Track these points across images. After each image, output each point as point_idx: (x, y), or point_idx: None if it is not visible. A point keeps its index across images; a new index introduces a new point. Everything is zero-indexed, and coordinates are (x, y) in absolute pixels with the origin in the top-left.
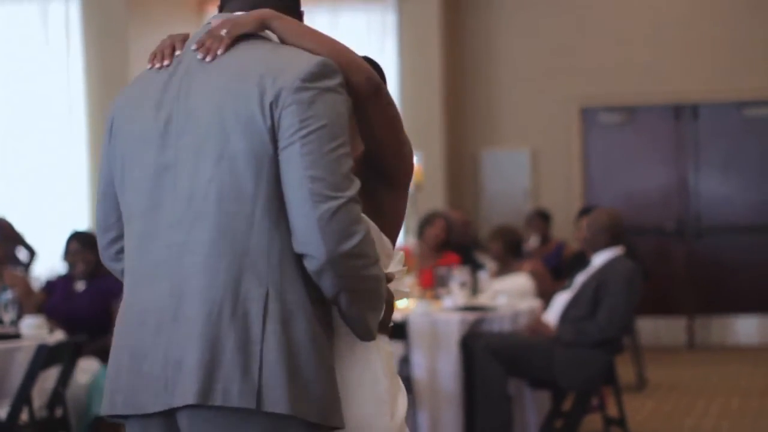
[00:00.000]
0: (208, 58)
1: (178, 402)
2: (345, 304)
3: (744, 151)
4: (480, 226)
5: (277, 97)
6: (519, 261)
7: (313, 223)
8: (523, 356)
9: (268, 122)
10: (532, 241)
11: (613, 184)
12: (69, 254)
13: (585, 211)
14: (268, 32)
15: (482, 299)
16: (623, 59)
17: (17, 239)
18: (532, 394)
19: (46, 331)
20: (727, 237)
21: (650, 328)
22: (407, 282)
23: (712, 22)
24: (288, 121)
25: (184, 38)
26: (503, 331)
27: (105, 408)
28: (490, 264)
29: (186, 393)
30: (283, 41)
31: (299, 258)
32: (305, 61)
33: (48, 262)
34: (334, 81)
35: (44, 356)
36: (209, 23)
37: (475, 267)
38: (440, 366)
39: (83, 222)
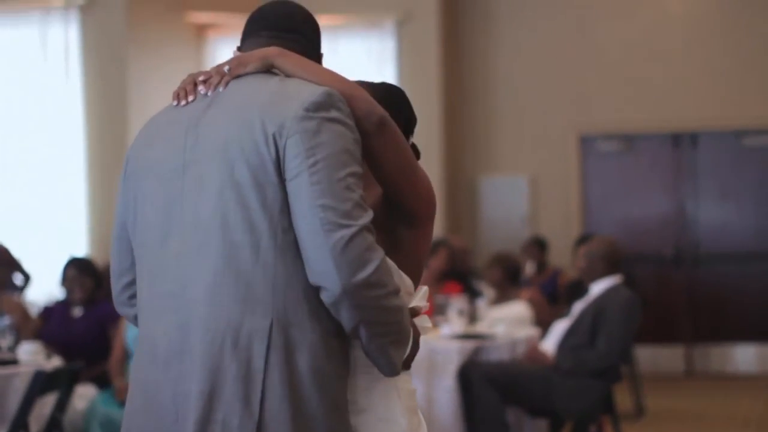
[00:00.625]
0: (208, 92)
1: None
2: (365, 337)
3: (743, 179)
4: (478, 252)
5: (281, 127)
6: (517, 288)
7: (326, 253)
8: (521, 384)
9: (272, 152)
10: (528, 269)
11: (612, 212)
12: (66, 280)
13: (583, 240)
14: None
15: (480, 327)
16: (622, 87)
17: (14, 264)
18: (530, 422)
19: (44, 357)
20: (726, 265)
21: (649, 357)
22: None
23: (711, 51)
24: (293, 151)
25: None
26: (501, 360)
27: None
28: (488, 291)
29: (187, 423)
30: (287, 75)
31: (307, 289)
32: (309, 92)
33: (45, 288)
34: (340, 111)
35: (41, 382)
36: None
37: (473, 295)
38: (438, 394)
39: (81, 248)
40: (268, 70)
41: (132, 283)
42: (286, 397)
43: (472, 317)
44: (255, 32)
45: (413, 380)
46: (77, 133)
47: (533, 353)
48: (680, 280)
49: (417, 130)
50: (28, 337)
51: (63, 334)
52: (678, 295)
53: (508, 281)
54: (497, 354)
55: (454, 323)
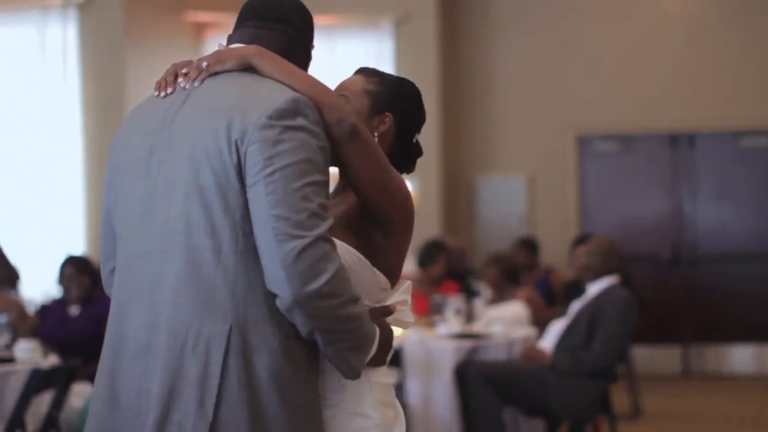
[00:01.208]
0: (186, 85)
1: (146, 431)
2: (321, 343)
3: (740, 180)
4: (475, 252)
5: (243, 134)
6: (514, 288)
7: (278, 263)
8: (518, 384)
9: (234, 158)
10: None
11: (609, 212)
12: (64, 278)
13: (580, 240)
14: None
15: (477, 327)
16: (620, 88)
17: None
18: (526, 422)
19: (40, 356)
20: (723, 265)
21: (645, 357)
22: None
23: (709, 52)
24: (252, 160)
25: (187, 65)
26: (498, 359)
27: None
28: (485, 291)
29: (147, 423)
30: (263, 76)
31: (267, 294)
32: (275, 98)
33: (42, 286)
34: (306, 118)
35: (38, 380)
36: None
37: (471, 294)
38: (435, 394)
39: (79, 246)
40: (246, 68)
41: None
42: (244, 400)
43: (469, 317)
44: (242, 22)
45: (409, 379)
46: (75, 131)
47: (530, 353)
48: (677, 281)
49: None
50: (24, 335)
51: (60, 332)
52: (675, 296)
53: (505, 281)
54: (494, 353)
55: (451, 322)
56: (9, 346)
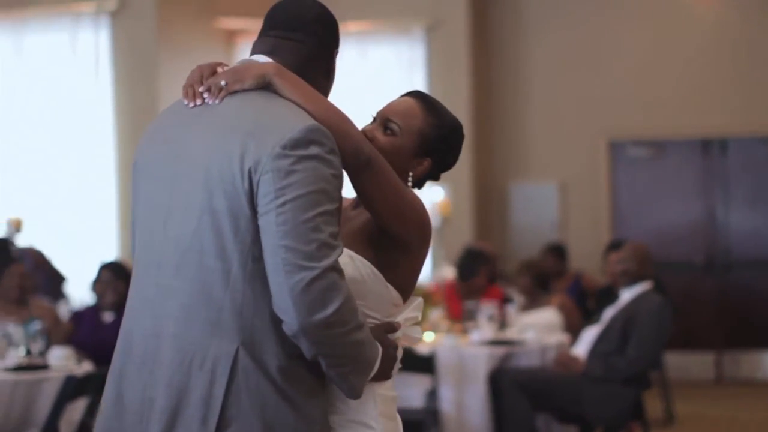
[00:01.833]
0: (208, 101)
1: None
2: (324, 366)
3: None
4: (508, 258)
5: (257, 163)
6: (546, 295)
7: (286, 292)
8: (551, 391)
9: (246, 186)
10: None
11: (642, 218)
12: (101, 283)
13: (613, 246)
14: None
15: (510, 333)
16: (652, 93)
17: (47, 268)
18: (560, 428)
19: (74, 362)
20: (756, 271)
21: (678, 363)
22: (435, 315)
23: (741, 57)
24: (264, 189)
25: (213, 69)
26: (531, 366)
27: (94, 429)
28: (517, 298)
29: None
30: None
31: (274, 316)
32: (290, 126)
33: (75, 293)
34: (321, 147)
35: (72, 387)
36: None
37: (504, 301)
38: (468, 400)
39: (111, 251)
40: (265, 87)
41: None
42: (257, 418)
43: (503, 323)
44: (265, 32)
45: (443, 385)
46: (108, 138)
47: (563, 359)
48: (711, 287)
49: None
50: (58, 342)
51: (93, 338)
52: (708, 302)
53: (536, 288)
54: (527, 360)
55: (484, 329)
56: (43, 353)
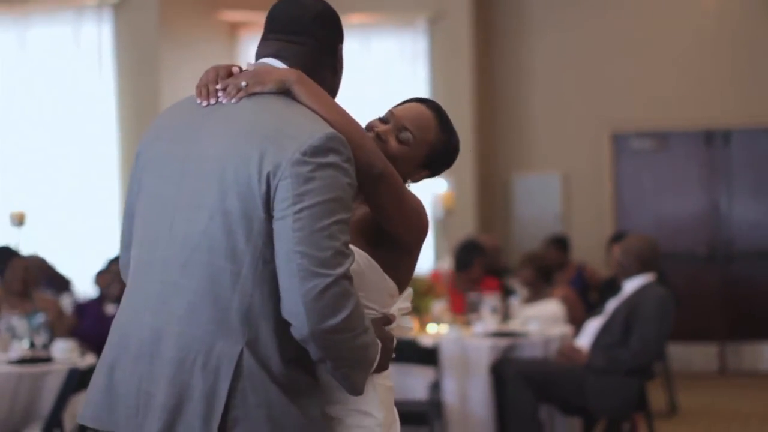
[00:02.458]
0: (224, 101)
1: None
2: (330, 367)
3: None
4: (511, 250)
5: (276, 168)
6: (548, 287)
7: (298, 297)
8: (555, 382)
9: (263, 189)
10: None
11: (645, 210)
12: (108, 274)
13: (617, 237)
14: None
15: (513, 325)
16: (655, 85)
17: (50, 273)
18: (563, 420)
19: (78, 355)
20: (760, 262)
21: (682, 354)
22: (438, 308)
23: (744, 48)
24: (282, 194)
25: (229, 71)
26: (534, 358)
27: (78, 417)
28: (521, 290)
29: (150, 430)
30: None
31: (280, 319)
32: (309, 133)
33: (78, 286)
34: (338, 155)
35: (76, 380)
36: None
37: (507, 292)
38: (471, 392)
39: (114, 247)
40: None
41: None
42: (263, 417)
43: (506, 315)
44: (265, 35)
45: (446, 377)
46: (111, 131)
47: (567, 351)
48: (714, 278)
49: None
50: (62, 334)
51: (97, 331)
52: (712, 293)
53: (540, 280)
54: (530, 352)
55: (487, 321)
56: (46, 346)
